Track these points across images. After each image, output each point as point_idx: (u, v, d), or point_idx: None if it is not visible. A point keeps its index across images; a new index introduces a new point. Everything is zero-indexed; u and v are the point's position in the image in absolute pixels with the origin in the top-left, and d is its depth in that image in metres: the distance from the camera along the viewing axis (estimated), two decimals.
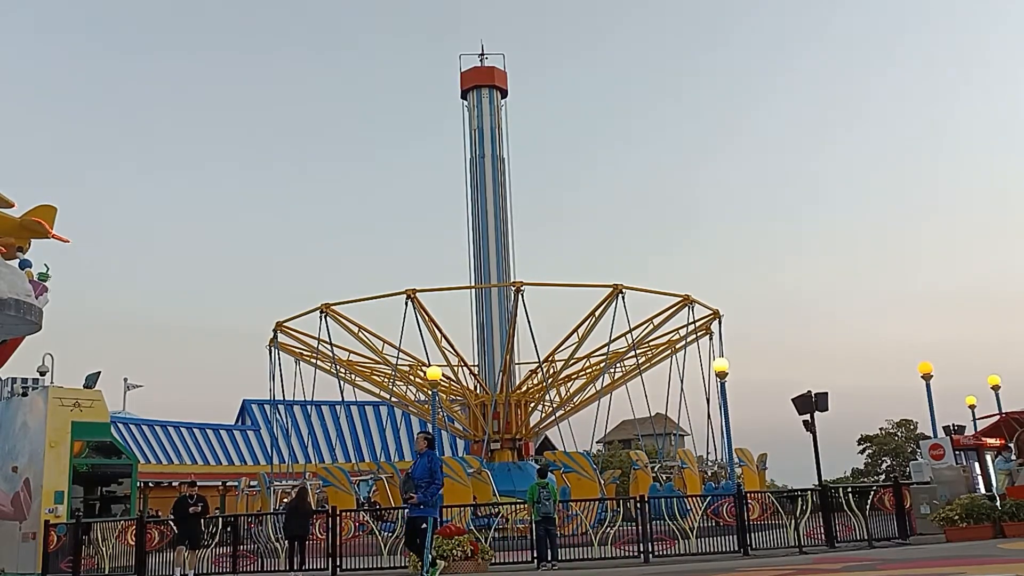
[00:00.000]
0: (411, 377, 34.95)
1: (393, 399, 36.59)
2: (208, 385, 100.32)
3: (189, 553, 17.48)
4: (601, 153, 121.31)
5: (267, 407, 41.63)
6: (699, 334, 34.10)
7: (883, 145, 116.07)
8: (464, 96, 38.49)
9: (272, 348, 33.92)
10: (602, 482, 30.65)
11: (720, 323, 34.07)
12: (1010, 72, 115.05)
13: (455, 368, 34.75)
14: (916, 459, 25.86)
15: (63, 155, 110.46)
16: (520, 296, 30.75)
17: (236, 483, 40.79)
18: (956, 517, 16.51)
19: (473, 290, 35.97)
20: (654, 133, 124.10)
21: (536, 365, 33.99)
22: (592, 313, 32.11)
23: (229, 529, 19.65)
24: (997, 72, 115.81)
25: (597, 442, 55.01)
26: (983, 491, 18.63)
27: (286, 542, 18.06)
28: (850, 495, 18.21)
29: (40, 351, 22.82)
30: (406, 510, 12.09)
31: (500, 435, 33.74)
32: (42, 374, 22.85)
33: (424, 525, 11.64)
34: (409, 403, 37.55)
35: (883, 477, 51.50)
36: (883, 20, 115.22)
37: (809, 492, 18.14)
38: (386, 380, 35.01)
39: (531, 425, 35.68)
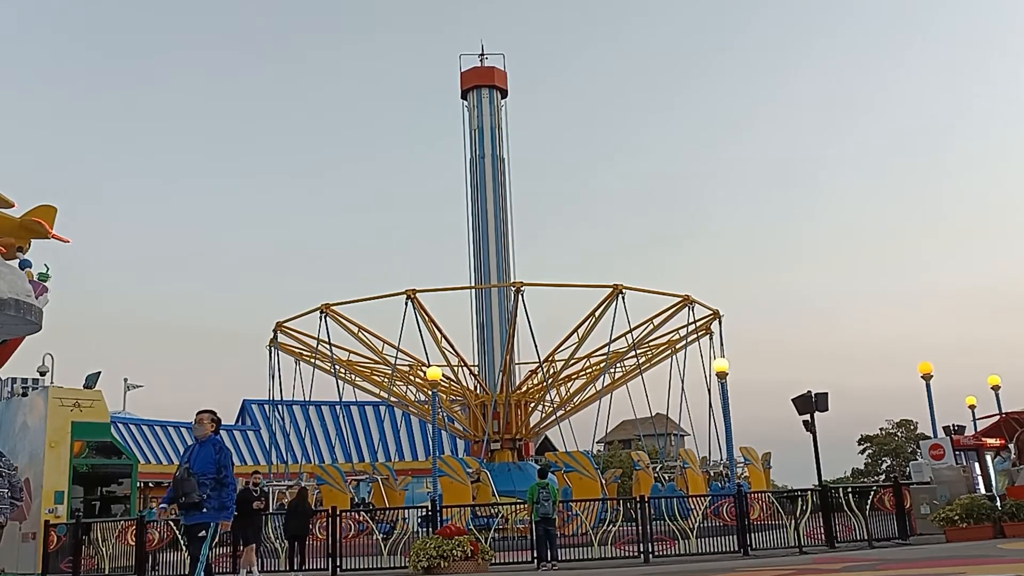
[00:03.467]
0: (411, 377, 34.94)
1: (393, 399, 36.58)
2: (208, 385, 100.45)
3: (247, 550, 16.61)
4: (601, 153, 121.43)
5: (267, 407, 41.59)
6: (699, 334, 34.10)
7: (884, 146, 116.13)
8: (464, 96, 38.47)
9: (272, 348, 33.91)
10: (603, 482, 30.65)
11: (720, 323, 34.10)
12: (1012, 74, 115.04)
13: (455, 368, 34.73)
14: (916, 459, 25.85)
15: (63, 155, 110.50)
16: (520, 296, 30.74)
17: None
18: (956, 517, 16.49)
19: (473, 290, 35.96)
20: (654, 133, 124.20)
21: (536, 365, 33.98)
22: (592, 313, 32.11)
23: (229, 529, 19.59)
24: (997, 74, 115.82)
25: (597, 442, 55.04)
26: (983, 491, 18.62)
27: (286, 542, 18.02)
28: (850, 495, 18.20)
29: (40, 351, 22.81)
30: (180, 517, 9.24)
31: (500, 435, 33.72)
32: (42, 374, 22.81)
33: (203, 533, 8.97)
34: (409, 403, 37.53)
35: (883, 477, 51.51)
36: (886, 19, 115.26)
37: (809, 492, 18.13)
38: (386, 380, 34.99)
39: (531, 425, 35.66)
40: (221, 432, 10.07)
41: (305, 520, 17.99)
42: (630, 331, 32.63)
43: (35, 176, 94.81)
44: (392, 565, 17.56)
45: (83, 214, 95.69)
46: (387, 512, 22.39)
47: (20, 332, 16.62)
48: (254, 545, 16.62)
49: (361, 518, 20.25)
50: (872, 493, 18.47)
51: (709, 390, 32.06)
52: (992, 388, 25.37)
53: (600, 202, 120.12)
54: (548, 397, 35.26)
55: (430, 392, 25.12)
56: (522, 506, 19.81)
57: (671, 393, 33.17)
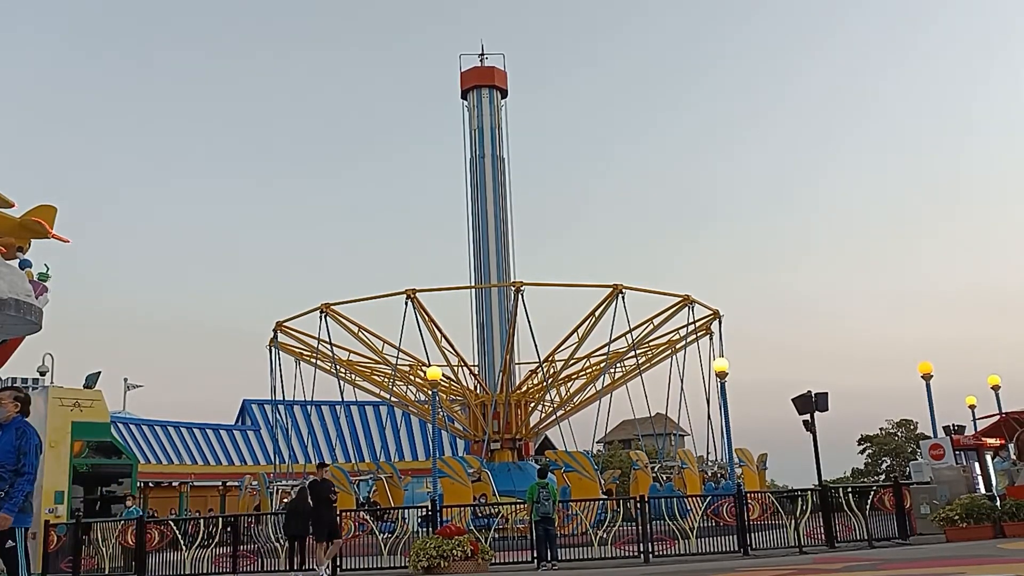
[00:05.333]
0: (411, 377, 34.96)
1: (393, 399, 36.60)
2: (208, 385, 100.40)
3: (320, 546, 16.13)
4: (601, 153, 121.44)
5: (267, 407, 41.61)
6: (699, 334, 34.11)
7: (885, 146, 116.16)
8: (464, 96, 38.50)
9: (272, 348, 33.92)
10: (602, 482, 30.63)
11: (720, 323, 34.11)
12: (1012, 75, 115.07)
13: (455, 368, 34.76)
14: (916, 459, 25.85)
15: (64, 154, 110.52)
16: (520, 296, 30.74)
17: (236, 483, 40.80)
18: (956, 517, 16.51)
19: (473, 290, 35.98)
20: (655, 133, 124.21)
21: (536, 365, 34.00)
22: (592, 313, 32.12)
23: (229, 529, 19.61)
24: (996, 75, 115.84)
25: (597, 442, 55.06)
26: (983, 491, 18.63)
27: (286, 542, 17.99)
28: (850, 495, 18.21)
29: (40, 351, 22.84)
30: None
31: (500, 435, 33.74)
32: (42, 374, 22.83)
33: (10, 542, 6.92)
34: (409, 403, 37.55)
35: (883, 477, 51.52)
36: (890, 20, 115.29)
37: (809, 492, 18.14)
38: (386, 380, 35.01)
39: (531, 425, 35.67)
40: (221, 432, 9.73)
41: (305, 520, 17.95)
42: (630, 331, 32.65)
43: (35, 176, 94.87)
44: (392, 565, 17.55)
45: (83, 214, 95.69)
46: (390, 512, 22.37)
47: (20, 332, 16.61)
48: (326, 542, 16.16)
49: (362, 518, 20.24)
50: (872, 493, 18.48)
51: (708, 390, 32.11)
52: (992, 388, 25.40)
53: (600, 202, 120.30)
54: (548, 397, 35.28)
55: (430, 392, 25.12)
56: (522, 506, 19.81)
57: (671, 393, 33.22)
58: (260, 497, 33.43)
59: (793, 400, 20.04)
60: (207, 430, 49.11)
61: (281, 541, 18.52)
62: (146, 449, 44.70)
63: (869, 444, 59.43)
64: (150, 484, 42.06)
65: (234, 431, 50.24)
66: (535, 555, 16.62)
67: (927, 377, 21.69)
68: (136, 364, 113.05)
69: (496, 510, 21.86)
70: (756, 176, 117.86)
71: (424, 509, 19.41)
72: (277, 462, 36.55)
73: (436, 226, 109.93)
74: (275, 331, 33.71)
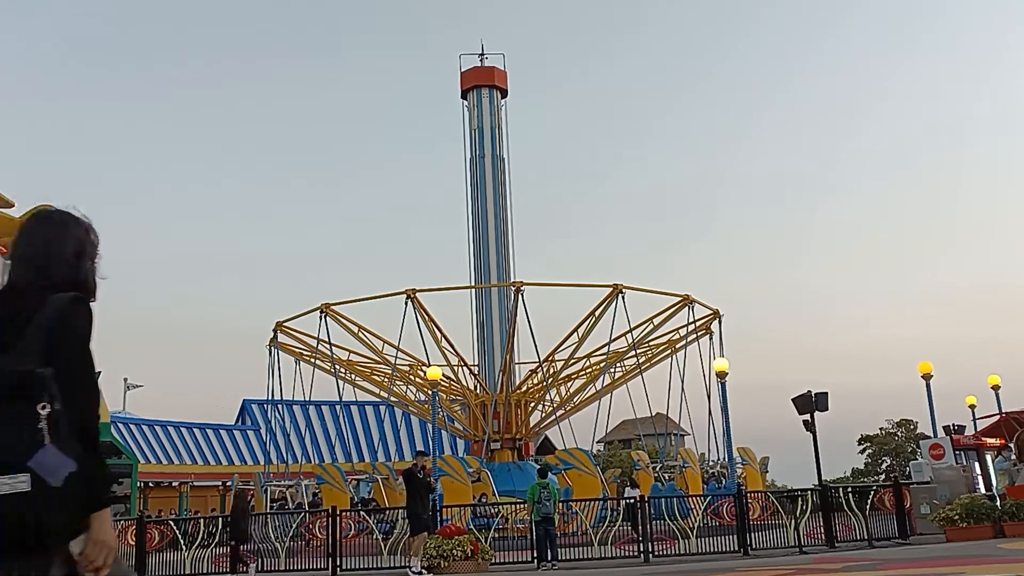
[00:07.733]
0: (411, 377, 34.95)
1: (393, 399, 36.59)
2: (208, 385, 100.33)
3: (413, 540, 15.53)
4: (601, 153, 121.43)
5: (267, 407, 41.60)
6: (699, 334, 34.11)
7: (883, 146, 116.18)
8: (464, 96, 38.48)
9: (272, 348, 33.91)
10: (604, 480, 30.64)
11: (720, 323, 34.10)
12: (1012, 76, 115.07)
13: (455, 368, 34.75)
14: (916, 459, 25.86)
15: (64, 155, 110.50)
16: (520, 296, 30.75)
17: (232, 483, 40.81)
18: (956, 517, 16.51)
19: (473, 290, 35.96)
20: (655, 132, 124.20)
21: (536, 365, 33.99)
22: (592, 313, 32.12)
23: (229, 529, 19.60)
24: (996, 77, 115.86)
25: (597, 442, 54.98)
26: (983, 491, 18.63)
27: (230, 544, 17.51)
28: (850, 495, 18.23)
29: None
30: None
31: (500, 435, 33.73)
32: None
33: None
34: (409, 403, 37.55)
35: (883, 477, 51.52)
36: (892, 20, 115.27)
37: (809, 492, 18.16)
38: (386, 380, 35.00)
39: (531, 425, 35.66)
40: (221, 431, 9.78)
41: (246, 524, 17.66)
42: (630, 331, 32.64)
43: (36, 176, 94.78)
44: (392, 565, 17.56)
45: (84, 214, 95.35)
46: (387, 512, 22.39)
47: None
48: (417, 535, 15.54)
49: (360, 518, 20.25)
50: (872, 493, 18.51)
51: (708, 391, 32.12)
52: (992, 388, 25.41)
53: (600, 201, 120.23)
54: (548, 397, 35.27)
55: (430, 392, 25.13)
56: (522, 506, 19.81)
57: (671, 393, 33.22)
58: (255, 497, 33.44)
59: (793, 400, 20.02)
60: (207, 430, 49.10)
61: (280, 540, 18.47)
62: (146, 449, 44.69)
63: (869, 444, 59.44)
64: (150, 484, 42.05)
65: (234, 431, 50.22)
66: (535, 555, 16.63)
67: (927, 377, 21.70)
68: (136, 364, 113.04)
69: (496, 510, 21.87)
70: (757, 176, 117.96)
71: None
72: (277, 462, 36.53)
73: (436, 226, 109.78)
74: (275, 331, 33.68)
